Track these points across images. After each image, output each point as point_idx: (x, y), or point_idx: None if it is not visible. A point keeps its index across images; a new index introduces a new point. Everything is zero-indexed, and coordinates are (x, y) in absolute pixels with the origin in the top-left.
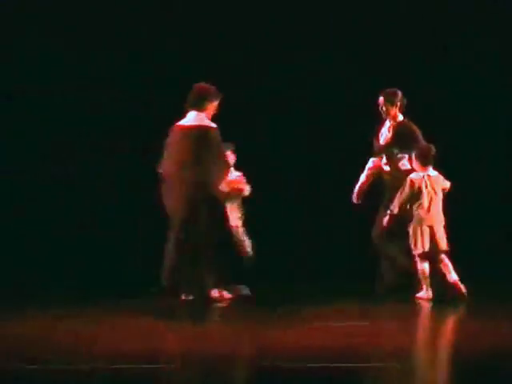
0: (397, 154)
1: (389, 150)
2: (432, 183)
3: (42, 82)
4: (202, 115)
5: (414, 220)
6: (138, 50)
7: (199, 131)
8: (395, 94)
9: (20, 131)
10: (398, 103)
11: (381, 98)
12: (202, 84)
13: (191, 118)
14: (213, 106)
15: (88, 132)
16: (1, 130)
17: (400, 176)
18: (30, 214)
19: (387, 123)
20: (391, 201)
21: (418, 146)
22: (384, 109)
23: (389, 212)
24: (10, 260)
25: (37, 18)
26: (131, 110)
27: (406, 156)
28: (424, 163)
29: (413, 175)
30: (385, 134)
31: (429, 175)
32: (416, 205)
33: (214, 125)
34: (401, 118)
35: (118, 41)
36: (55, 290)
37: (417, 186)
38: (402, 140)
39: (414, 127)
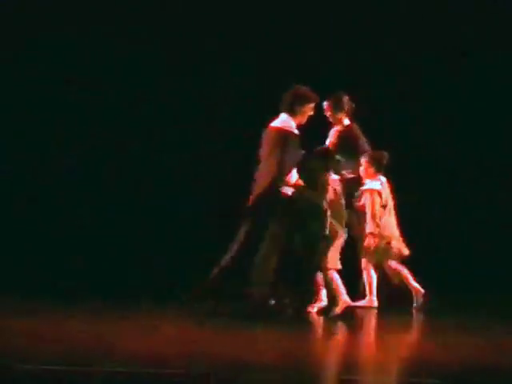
0: (338, 160)
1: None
2: (387, 190)
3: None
4: (287, 118)
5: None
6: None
7: (276, 133)
8: (341, 99)
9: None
10: (345, 108)
11: (326, 103)
12: (298, 87)
13: (277, 120)
14: (305, 111)
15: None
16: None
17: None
18: (57, 211)
19: (334, 128)
20: None
21: (371, 153)
22: (329, 114)
23: (368, 233)
24: (39, 261)
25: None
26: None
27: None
28: (378, 169)
29: (375, 186)
30: (329, 138)
31: (382, 182)
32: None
33: (291, 130)
34: (347, 122)
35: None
36: (94, 294)
37: (383, 195)
38: (343, 145)
39: (359, 133)
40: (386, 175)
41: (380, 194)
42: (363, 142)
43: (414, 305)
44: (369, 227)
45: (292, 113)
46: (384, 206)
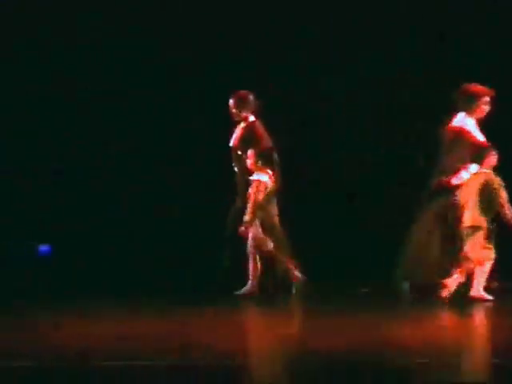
0: (241, 155)
1: (235, 151)
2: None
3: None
4: (463, 117)
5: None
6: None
7: (450, 132)
8: (246, 97)
9: None
10: (250, 105)
11: (231, 101)
12: (467, 85)
13: (454, 120)
14: (481, 106)
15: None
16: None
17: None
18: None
19: (240, 125)
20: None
21: (260, 148)
22: (234, 111)
23: (245, 222)
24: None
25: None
26: None
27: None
28: (265, 164)
29: (262, 178)
30: (234, 135)
31: (270, 175)
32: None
33: (467, 128)
34: (252, 119)
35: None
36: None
37: (269, 188)
38: (245, 141)
39: (261, 129)
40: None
41: (266, 186)
42: (266, 138)
43: (293, 291)
44: (246, 217)
45: (468, 111)
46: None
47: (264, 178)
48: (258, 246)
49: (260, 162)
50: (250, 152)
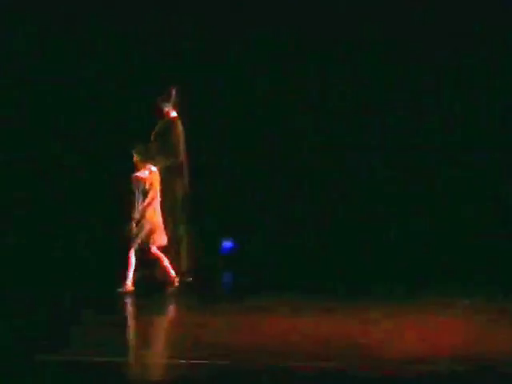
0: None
1: (153, 145)
2: (154, 179)
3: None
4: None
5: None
6: None
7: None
8: (169, 92)
9: None
10: (172, 101)
11: (158, 97)
12: None
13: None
14: None
15: None
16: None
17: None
18: None
19: (161, 120)
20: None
21: (138, 146)
22: (158, 106)
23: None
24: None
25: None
26: None
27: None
28: (145, 160)
29: (141, 174)
30: (155, 130)
31: (151, 171)
32: (145, 202)
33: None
34: (174, 114)
35: None
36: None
37: (143, 183)
38: (166, 137)
39: (181, 126)
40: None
41: (144, 181)
42: (183, 134)
43: (168, 291)
44: (132, 213)
45: None
46: (146, 194)
47: (142, 175)
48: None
49: (141, 158)
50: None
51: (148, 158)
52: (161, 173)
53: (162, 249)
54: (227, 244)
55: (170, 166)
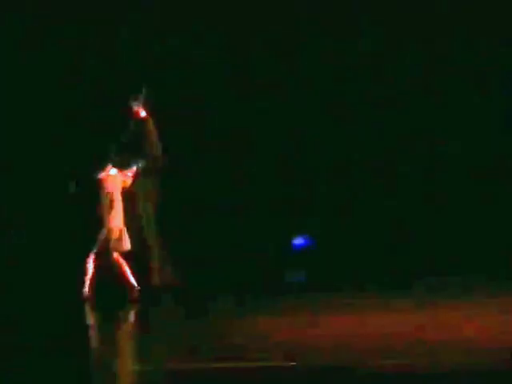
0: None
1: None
2: (110, 183)
3: None
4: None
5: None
6: None
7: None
8: (138, 92)
9: None
10: (142, 101)
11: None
12: None
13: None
14: None
15: None
16: None
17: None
18: None
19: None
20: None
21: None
22: (129, 107)
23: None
24: None
25: None
26: None
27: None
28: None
29: (101, 175)
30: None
31: (108, 175)
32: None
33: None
34: (143, 114)
35: None
36: None
37: (106, 186)
38: (137, 137)
39: (152, 126)
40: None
41: (106, 184)
42: (155, 135)
43: (128, 299)
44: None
45: None
46: (109, 197)
47: (106, 177)
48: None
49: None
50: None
51: (123, 166)
52: (139, 176)
53: (125, 255)
54: (299, 241)
55: (147, 168)
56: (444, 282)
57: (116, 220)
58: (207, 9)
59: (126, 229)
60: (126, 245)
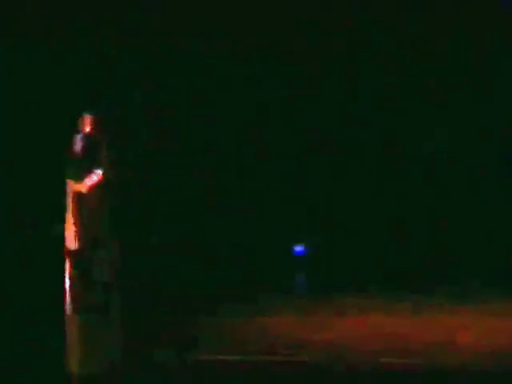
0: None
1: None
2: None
3: None
4: None
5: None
6: None
7: None
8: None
9: None
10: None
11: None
12: None
13: None
14: None
15: None
16: None
17: None
18: None
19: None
20: None
21: None
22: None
23: None
24: None
25: None
26: None
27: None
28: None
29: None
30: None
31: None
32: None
33: None
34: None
35: None
36: None
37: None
38: (89, 149)
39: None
40: None
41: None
42: (105, 145)
43: None
44: None
45: None
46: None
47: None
48: None
49: None
50: None
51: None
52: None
53: None
54: (298, 249)
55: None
56: (444, 284)
57: None
58: (207, 8)
59: None
60: None
